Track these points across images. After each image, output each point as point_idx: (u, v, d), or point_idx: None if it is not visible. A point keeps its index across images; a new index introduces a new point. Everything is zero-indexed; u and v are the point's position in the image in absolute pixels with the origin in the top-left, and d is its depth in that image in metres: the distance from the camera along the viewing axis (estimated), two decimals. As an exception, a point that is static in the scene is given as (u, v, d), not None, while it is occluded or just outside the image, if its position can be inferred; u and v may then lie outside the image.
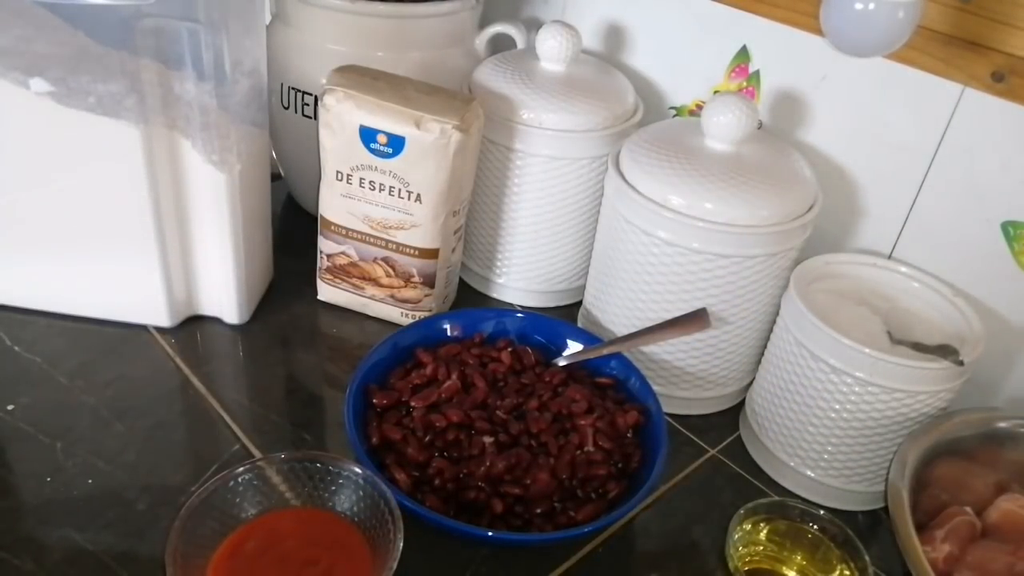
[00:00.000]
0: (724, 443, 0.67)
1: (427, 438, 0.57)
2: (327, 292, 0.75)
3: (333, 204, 0.69)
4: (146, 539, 0.54)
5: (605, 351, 0.65)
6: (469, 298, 0.79)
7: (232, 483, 0.50)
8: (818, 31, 0.62)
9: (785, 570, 0.56)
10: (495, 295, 0.80)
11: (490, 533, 0.53)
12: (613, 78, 0.75)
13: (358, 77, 0.65)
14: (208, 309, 0.71)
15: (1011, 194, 0.61)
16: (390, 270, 0.71)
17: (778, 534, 0.57)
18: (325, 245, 0.72)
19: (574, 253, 0.77)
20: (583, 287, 0.75)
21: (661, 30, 0.79)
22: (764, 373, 0.65)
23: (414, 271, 0.71)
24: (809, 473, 0.62)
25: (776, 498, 0.61)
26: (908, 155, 0.65)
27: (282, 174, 0.87)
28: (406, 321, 0.73)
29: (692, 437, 0.67)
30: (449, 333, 0.67)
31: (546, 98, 0.70)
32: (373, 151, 0.65)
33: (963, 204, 0.64)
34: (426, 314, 0.72)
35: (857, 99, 0.67)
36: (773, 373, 0.63)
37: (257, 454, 0.60)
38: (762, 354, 0.67)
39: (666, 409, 0.62)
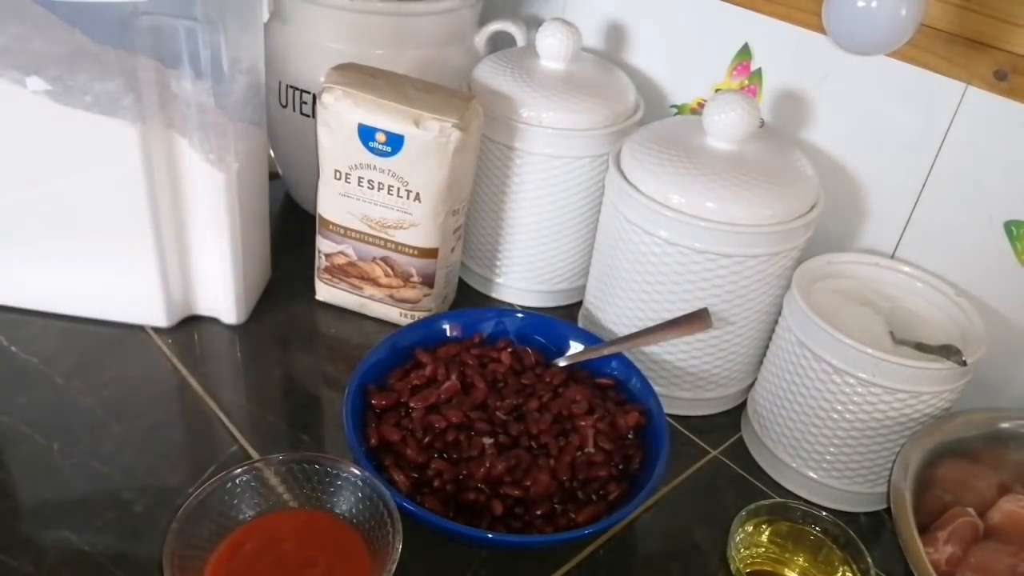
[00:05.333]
0: (726, 444, 0.67)
1: (426, 439, 0.57)
2: (325, 292, 0.74)
3: (331, 203, 0.69)
4: (144, 541, 0.53)
5: (606, 351, 0.65)
6: (469, 298, 0.79)
7: (230, 484, 0.50)
8: (820, 29, 0.62)
9: (787, 572, 0.56)
10: (495, 295, 0.80)
11: (490, 535, 0.52)
12: (614, 76, 0.75)
13: (357, 75, 0.65)
14: (205, 309, 0.70)
15: (1014, 193, 0.61)
16: (389, 270, 0.71)
17: (780, 536, 0.57)
18: (323, 244, 0.72)
19: (574, 253, 0.76)
20: (583, 287, 0.75)
21: (662, 28, 0.78)
22: (766, 374, 0.65)
23: (413, 271, 0.70)
24: (811, 474, 0.62)
25: (778, 499, 0.61)
26: (911, 154, 0.65)
27: (280, 173, 0.87)
28: (405, 321, 0.72)
29: (693, 438, 0.67)
30: (449, 333, 0.66)
31: (546, 96, 0.69)
32: (372, 150, 0.65)
33: (966, 203, 0.63)
34: (425, 314, 0.72)
35: (859, 97, 0.67)
36: (775, 374, 0.63)
37: (255, 455, 0.60)
38: (764, 354, 0.66)
39: (667, 410, 0.61)
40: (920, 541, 0.49)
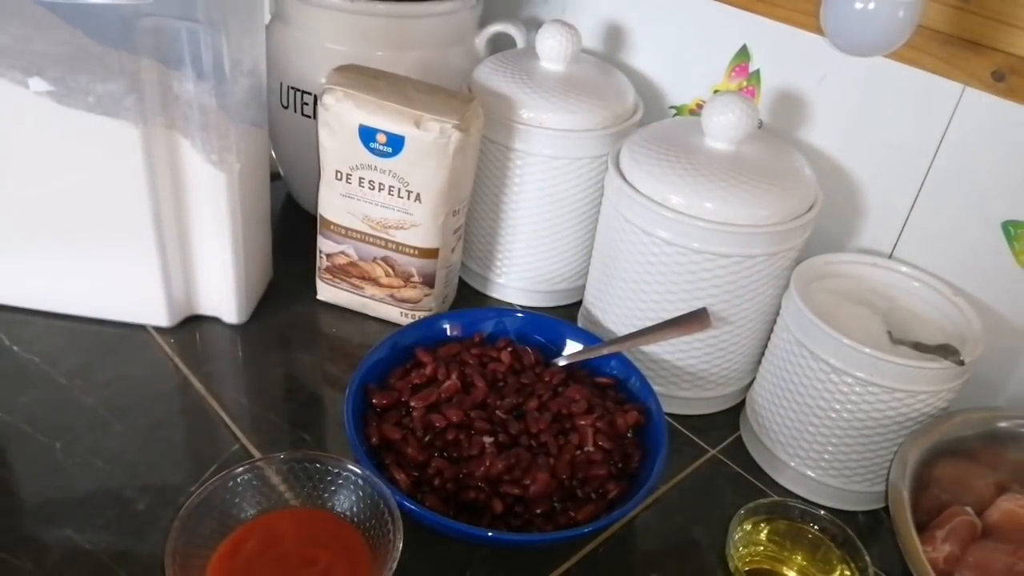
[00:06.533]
0: (724, 443, 0.67)
1: (427, 438, 0.57)
2: (326, 292, 0.75)
3: (332, 204, 0.69)
4: (145, 539, 0.53)
5: (605, 351, 0.65)
6: (469, 298, 0.79)
7: (231, 483, 0.50)
8: (818, 30, 0.62)
9: (785, 570, 0.56)
10: (495, 295, 0.80)
11: (490, 533, 0.52)
12: (613, 77, 0.75)
13: (358, 76, 0.65)
14: (207, 309, 0.71)
15: (1011, 193, 0.61)
16: (389, 270, 0.71)
17: (778, 534, 0.57)
18: (324, 245, 0.72)
19: (574, 253, 0.76)
20: (583, 287, 0.75)
21: (661, 29, 0.79)
22: (764, 373, 0.65)
23: (414, 271, 0.70)
24: (809, 473, 0.62)
25: (776, 498, 0.61)
26: (908, 155, 0.65)
27: (281, 174, 0.87)
28: (406, 321, 0.73)
29: (692, 437, 0.67)
30: (449, 333, 0.67)
31: (546, 97, 0.70)
32: (372, 150, 0.65)
33: (963, 204, 0.63)
34: (426, 314, 0.72)
35: (857, 99, 0.67)
36: (773, 373, 0.63)
37: (256, 454, 0.60)
38: (762, 354, 0.67)
39: (666, 409, 0.62)
40: (918, 540, 0.49)
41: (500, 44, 0.83)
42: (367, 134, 0.64)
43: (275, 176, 0.79)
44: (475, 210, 0.76)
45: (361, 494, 0.51)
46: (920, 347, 0.57)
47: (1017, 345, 0.64)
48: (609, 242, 0.67)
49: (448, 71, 0.76)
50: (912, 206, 0.66)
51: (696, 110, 0.78)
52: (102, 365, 0.65)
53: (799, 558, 0.56)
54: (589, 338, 0.67)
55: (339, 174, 0.67)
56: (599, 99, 0.71)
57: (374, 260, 0.71)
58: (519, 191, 0.73)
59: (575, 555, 0.56)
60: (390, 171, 0.66)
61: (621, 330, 0.68)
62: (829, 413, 0.59)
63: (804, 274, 0.62)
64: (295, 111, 0.77)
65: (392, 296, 0.72)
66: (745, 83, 0.73)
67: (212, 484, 0.50)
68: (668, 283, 0.63)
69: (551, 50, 0.72)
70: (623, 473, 0.58)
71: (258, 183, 0.69)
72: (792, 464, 0.63)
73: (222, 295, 0.69)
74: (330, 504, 0.52)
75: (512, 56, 0.76)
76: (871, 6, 0.54)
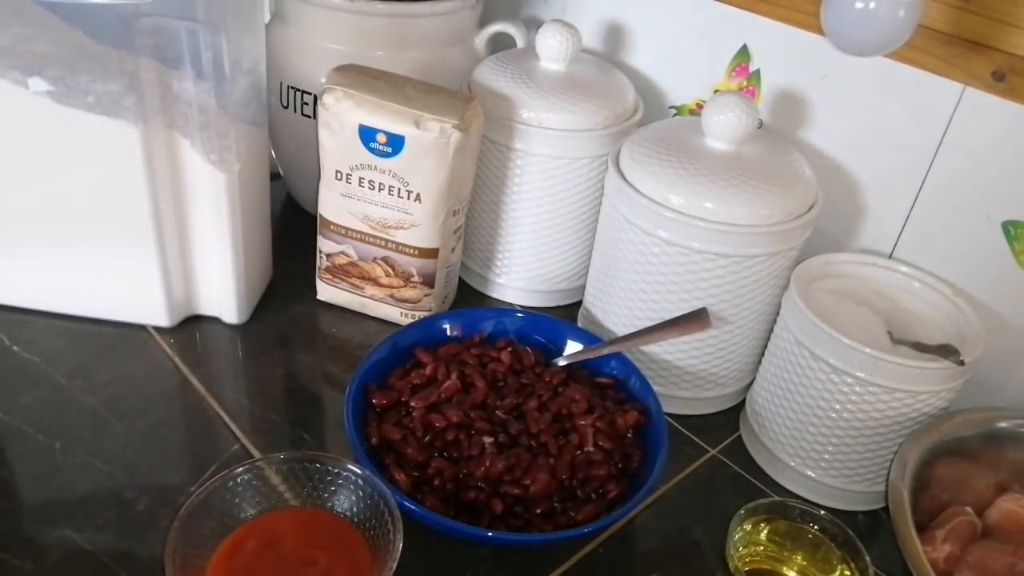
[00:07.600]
0: (724, 443, 0.67)
1: (427, 438, 0.57)
2: (326, 292, 0.75)
3: (332, 203, 0.69)
4: (145, 539, 0.54)
5: (605, 351, 0.65)
6: (469, 298, 0.79)
7: (231, 483, 0.50)
8: (819, 30, 0.62)
9: (785, 570, 0.56)
10: (495, 295, 0.80)
11: (490, 533, 0.52)
12: (613, 77, 0.75)
13: (357, 76, 0.65)
14: (207, 309, 0.71)
15: (1012, 194, 0.61)
16: (389, 270, 0.71)
17: (778, 534, 0.57)
18: (324, 245, 0.72)
19: (574, 253, 0.76)
20: (583, 287, 0.75)
21: (661, 29, 0.79)
22: (764, 373, 0.65)
23: (414, 271, 0.70)
24: (809, 473, 0.62)
25: (776, 498, 0.61)
26: (909, 154, 0.65)
27: (281, 173, 0.87)
28: (406, 321, 0.73)
29: (692, 437, 0.67)
30: (449, 333, 0.67)
31: (546, 97, 0.70)
32: (372, 150, 0.65)
33: (964, 204, 0.63)
34: (426, 314, 0.72)
35: (858, 98, 0.67)
36: (773, 373, 0.63)
37: (256, 454, 0.60)
38: (762, 354, 0.67)
39: (666, 409, 0.62)
40: (918, 540, 0.49)
41: (500, 44, 0.83)
42: (367, 134, 0.64)
43: (275, 176, 0.79)
44: (475, 210, 0.76)
45: (361, 494, 0.51)
46: (920, 347, 0.57)
47: (1017, 345, 0.64)
48: (609, 242, 0.67)
49: (448, 71, 0.76)
50: (912, 206, 0.66)
51: (696, 110, 0.78)
52: (102, 365, 0.65)
53: (799, 558, 0.56)
54: (589, 338, 0.67)
55: (339, 174, 0.67)
56: (599, 99, 0.71)
57: (374, 260, 0.71)
58: (519, 191, 0.73)
59: (575, 555, 0.56)
60: (390, 171, 0.66)
61: (621, 330, 0.68)
62: (829, 413, 0.59)
63: (804, 274, 0.62)
64: (295, 111, 0.77)
65: (392, 296, 0.72)
66: (745, 83, 0.73)
67: (212, 484, 0.50)
68: (668, 283, 0.63)
69: (551, 50, 0.72)
70: (623, 473, 0.58)
71: (258, 183, 0.69)
72: (792, 464, 0.63)
73: (222, 295, 0.69)
74: (330, 504, 0.52)
75: (512, 56, 0.76)
76: (871, 6, 0.54)
